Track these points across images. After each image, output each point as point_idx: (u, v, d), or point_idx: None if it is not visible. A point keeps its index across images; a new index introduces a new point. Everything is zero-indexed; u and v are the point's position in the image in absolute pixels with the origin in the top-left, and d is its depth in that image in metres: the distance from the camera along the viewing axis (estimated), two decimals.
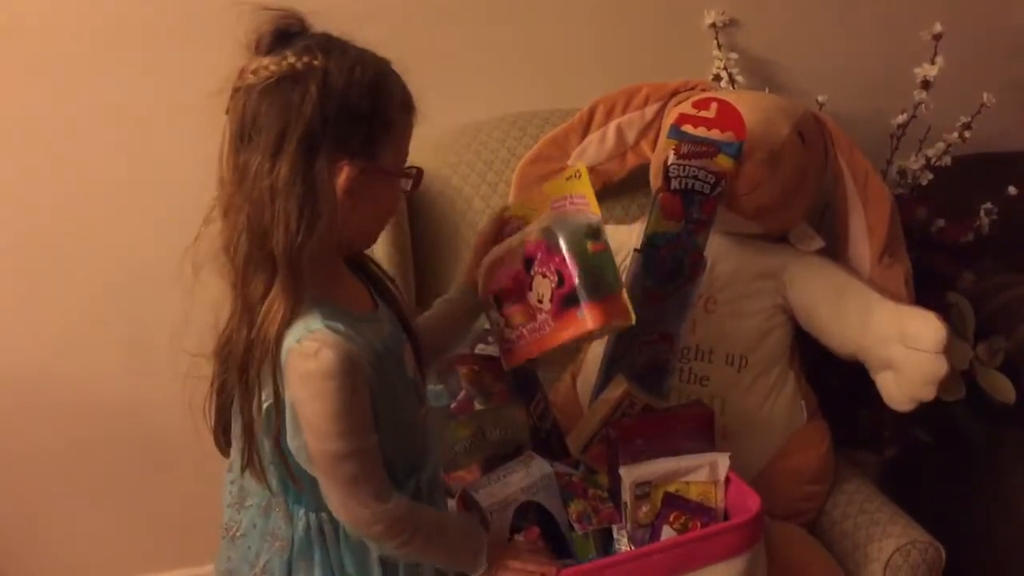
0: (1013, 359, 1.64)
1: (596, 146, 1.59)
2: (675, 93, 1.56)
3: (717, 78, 1.77)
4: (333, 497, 1.03)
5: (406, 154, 1.09)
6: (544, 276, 1.15)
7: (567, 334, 1.16)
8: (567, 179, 1.25)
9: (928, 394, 1.37)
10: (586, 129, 1.60)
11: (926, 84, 1.71)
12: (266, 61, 0.98)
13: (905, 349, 1.36)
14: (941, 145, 1.74)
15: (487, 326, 1.29)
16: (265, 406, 1.01)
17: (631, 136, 1.58)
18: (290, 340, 0.99)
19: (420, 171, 1.11)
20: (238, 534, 1.11)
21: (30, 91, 1.66)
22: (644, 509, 1.25)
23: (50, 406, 1.83)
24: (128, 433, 1.87)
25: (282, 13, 1.01)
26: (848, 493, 1.50)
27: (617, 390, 1.34)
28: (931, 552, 1.35)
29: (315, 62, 0.98)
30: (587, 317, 1.14)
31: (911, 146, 1.77)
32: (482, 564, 1.12)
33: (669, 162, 1.36)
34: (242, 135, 0.99)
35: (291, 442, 1.02)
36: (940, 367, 1.34)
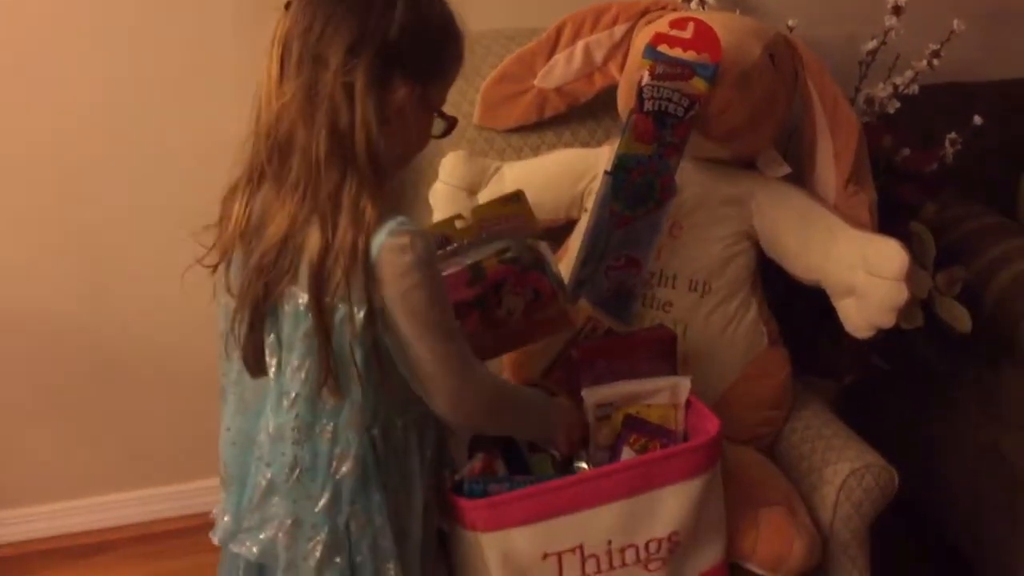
0: (971, 289, 1.66)
1: (563, 66, 1.56)
2: (645, 12, 1.52)
3: None
4: (446, 387, 1.06)
5: (446, 99, 1.12)
6: (517, 294, 1.23)
7: (544, 334, 1.30)
8: (504, 203, 1.26)
9: (888, 321, 1.38)
10: (553, 48, 1.57)
11: (897, 9, 1.69)
12: None
13: (867, 275, 1.36)
14: (909, 73, 1.73)
15: None
16: (361, 315, 1.00)
17: (599, 56, 1.55)
18: (379, 239, 0.99)
19: (455, 120, 1.13)
20: (304, 469, 1.08)
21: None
22: (604, 431, 1.26)
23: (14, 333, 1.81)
24: (84, 350, 1.86)
25: None
26: (806, 418, 1.51)
27: (581, 313, 1.34)
28: (884, 476, 1.37)
29: None
30: (571, 319, 1.32)
31: (880, 74, 1.76)
32: (552, 436, 1.21)
33: (643, 82, 1.33)
34: (311, 28, 0.99)
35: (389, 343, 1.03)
36: (901, 294, 1.35)
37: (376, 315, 1.01)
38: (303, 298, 1.02)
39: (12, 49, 1.64)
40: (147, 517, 1.98)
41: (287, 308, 1.04)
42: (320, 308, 1.00)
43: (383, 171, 1.01)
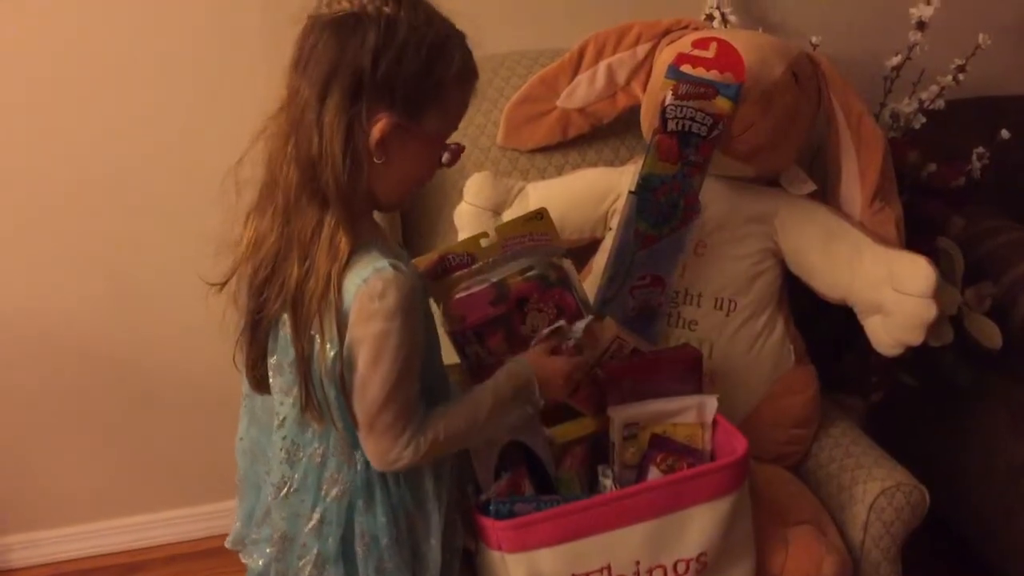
0: (1001, 305, 1.64)
1: (586, 86, 1.56)
2: (667, 32, 1.53)
3: (710, 17, 1.74)
4: (367, 438, 1.03)
5: (454, 126, 1.09)
6: (540, 311, 1.23)
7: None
8: (527, 221, 1.25)
9: (916, 338, 1.37)
10: (576, 69, 1.57)
11: (921, 25, 1.68)
12: None
13: (894, 293, 1.36)
14: (935, 88, 1.72)
15: None
16: (332, 354, 1.00)
17: (622, 76, 1.55)
18: (355, 279, 0.99)
19: (461, 147, 1.10)
20: (292, 490, 1.09)
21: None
22: (631, 450, 1.25)
23: (34, 344, 1.83)
24: (115, 372, 1.87)
25: None
26: (834, 436, 1.50)
27: (607, 333, 1.34)
28: (915, 495, 1.36)
29: (386, 8, 0.98)
30: (596, 336, 1.30)
31: (905, 89, 1.75)
32: (538, 403, 1.14)
33: (667, 102, 1.34)
34: (298, 63, 1.00)
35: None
36: (929, 311, 1.33)
37: (346, 358, 1.01)
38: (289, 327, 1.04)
39: (46, 73, 1.67)
40: (178, 538, 2.00)
41: (281, 334, 1.06)
42: (298, 335, 1.02)
43: (355, 205, 1.00)
